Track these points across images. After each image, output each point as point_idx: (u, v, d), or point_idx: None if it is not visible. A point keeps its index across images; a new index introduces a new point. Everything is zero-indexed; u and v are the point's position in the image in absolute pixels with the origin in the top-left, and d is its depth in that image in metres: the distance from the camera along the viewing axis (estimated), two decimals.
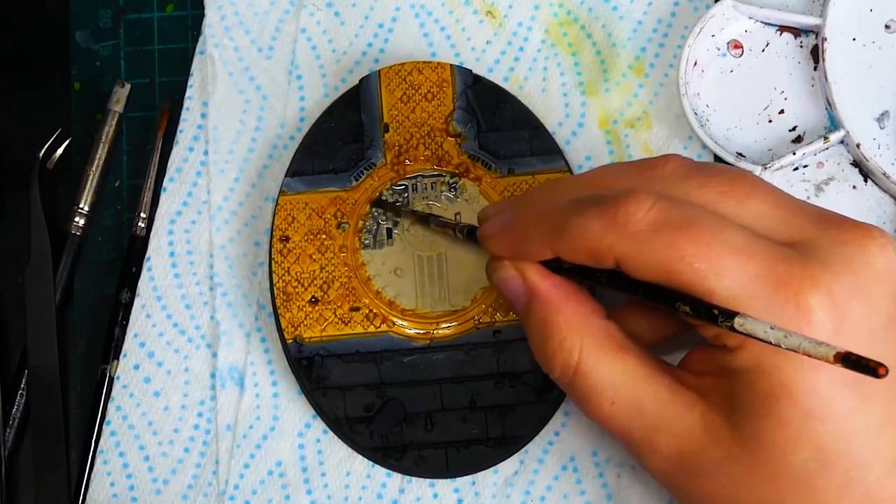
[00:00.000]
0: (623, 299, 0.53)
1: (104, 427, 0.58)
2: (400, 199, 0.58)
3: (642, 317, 0.53)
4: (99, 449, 0.58)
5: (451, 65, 0.59)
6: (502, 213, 0.53)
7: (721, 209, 0.48)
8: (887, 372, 0.39)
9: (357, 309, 0.57)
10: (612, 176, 0.52)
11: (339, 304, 0.57)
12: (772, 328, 0.42)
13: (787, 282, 0.45)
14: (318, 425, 0.58)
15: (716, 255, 0.45)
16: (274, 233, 0.57)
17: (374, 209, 0.58)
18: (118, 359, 0.59)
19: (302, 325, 0.57)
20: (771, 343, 0.42)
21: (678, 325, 0.52)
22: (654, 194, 0.48)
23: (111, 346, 0.59)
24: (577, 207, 0.49)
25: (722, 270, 0.45)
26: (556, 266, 0.50)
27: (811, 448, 0.45)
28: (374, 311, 0.57)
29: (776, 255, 0.45)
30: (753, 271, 0.45)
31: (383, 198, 0.58)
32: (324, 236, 0.58)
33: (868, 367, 0.39)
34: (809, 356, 0.41)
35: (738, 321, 0.43)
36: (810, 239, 0.47)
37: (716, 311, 0.44)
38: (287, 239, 0.57)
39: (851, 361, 0.39)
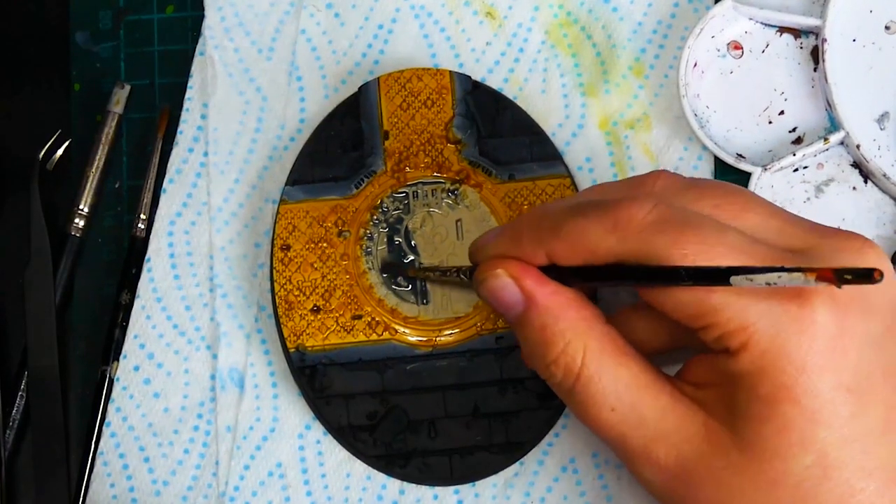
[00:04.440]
0: (620, 304, 0.53)
1: (104, 428, 0.58)
2: (401, 207, 0.58)
3: (641, 321, 0.52)
4: (99, 450, 0.58)
5: (450, 71, 0.59)
6: (495, 230, 0.53)
7: (719, 219, 0.48)
8: (882, 277, 0.40)
9: (359, 317, 0.57)
10: (604, 192, 0.52)
11: (342, 313, 0.57)
12: (766, 271, 0.43)
13: None
14: (319, 427, 0.58)
15: (718, 254, 0.45)
16: (275, 241, 0.57)
17: (373, 216, 0.58)
18: (118, 360, 0.59)
19: (304, 333, 0.57)
20: (770, 284, 0.43)
21: (676, 331, 0.51)
22: (654, 199, 0.48)
23: (111, 347, 0.59)
24: (575, 209, 0.49)
25: None
26: (554, 272, 0.50)
27: (813, 454, 0.45)
28: (377, 319, 0.57)
29: (777, 257, 0.45)
30: None
31: (388, 261, 0.58)
32: (325, 245, 0.58)
33: (863, 273, 0.40)
34: (804, 281, 0.42)
35: (733, 279, 0.43)
36: (810, 247, 0.47)
37: (713, 273, 0.45)
38: (288, 248, 0.57)
39: (846, 273, 0.40)
